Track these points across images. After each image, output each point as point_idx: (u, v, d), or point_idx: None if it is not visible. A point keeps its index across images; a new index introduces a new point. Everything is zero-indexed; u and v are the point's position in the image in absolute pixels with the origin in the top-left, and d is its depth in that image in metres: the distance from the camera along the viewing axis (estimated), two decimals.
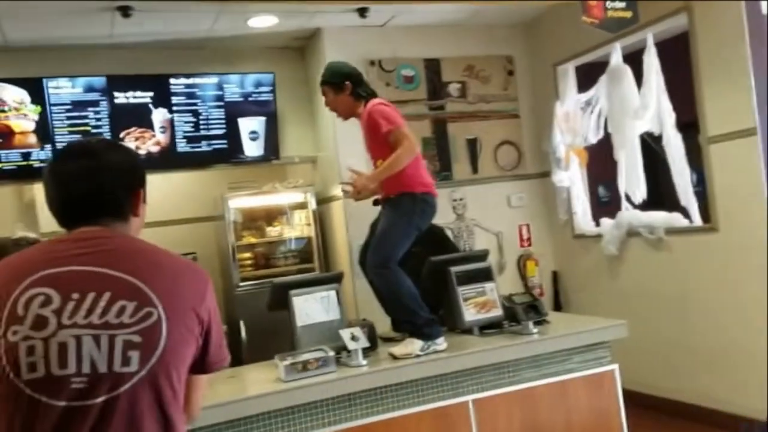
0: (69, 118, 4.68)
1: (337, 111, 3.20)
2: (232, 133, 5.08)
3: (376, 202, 4.34)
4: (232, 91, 5.08)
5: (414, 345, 2.79)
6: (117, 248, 1.36)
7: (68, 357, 1.24)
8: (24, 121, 4.58)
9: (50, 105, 4.63)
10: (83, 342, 1.25)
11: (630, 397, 3.26)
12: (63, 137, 4.66)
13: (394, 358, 2.77)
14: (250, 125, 5.13)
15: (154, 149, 4.88)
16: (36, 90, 4.59)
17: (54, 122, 4.64)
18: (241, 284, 4.94)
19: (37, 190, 4.54)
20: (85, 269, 1.30)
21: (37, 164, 4.51)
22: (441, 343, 2.84)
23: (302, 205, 5.28)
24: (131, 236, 1.43)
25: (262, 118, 5.16)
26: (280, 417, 2.49)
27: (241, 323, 4.81)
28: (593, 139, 5.00)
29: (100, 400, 1.24)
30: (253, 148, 5.16)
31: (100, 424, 1.24)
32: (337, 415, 2.58)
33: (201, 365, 1.43)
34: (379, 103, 3.06)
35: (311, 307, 2.90)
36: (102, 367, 1.25)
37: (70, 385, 1.23)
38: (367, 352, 2.78)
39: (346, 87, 3.10)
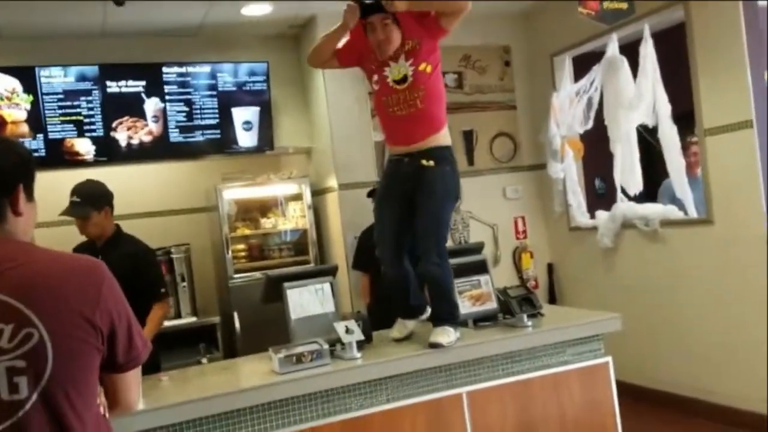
0: (61, 107, 4.63)
1: (392, 44, 2.83)
2: (226, 123, 5.05)
3: (370, 194, 4.34)
4: (226, 81, 5.04)
5: (453, 334, 2.75)
6: None
7: None
8: (16, 110, 4.54)
9: (42, 94, 4.59)
10: None
11: (624, 388, 3.27)
12: (55, 127, 4.62)
13: (442, 346, 2.68)
14: (243, 115, 5.10)
15: (147, 139, 4.85)
16: (28, 79, 4.55)
17: (46, 112, 4.60)
18: (235, 276, 4.91)
19: None
20: None
21: None
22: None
23: (297, 197, 5.24)
24: (14, 241, 1.32)
25: (256, 108, 5.12)
26: (274, 409, 2.48)
27: (235, 315, 4.79)
28: (580, 130, 4.93)
29: None
30: (246, 139, 5.12)
31: None
32: (332, 407, 2.57)
33: (113, 366, 1.34)
34: None
35: (305, 300, 2.88)
36: None
37: None
38: (361, 344, 2.77)
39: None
